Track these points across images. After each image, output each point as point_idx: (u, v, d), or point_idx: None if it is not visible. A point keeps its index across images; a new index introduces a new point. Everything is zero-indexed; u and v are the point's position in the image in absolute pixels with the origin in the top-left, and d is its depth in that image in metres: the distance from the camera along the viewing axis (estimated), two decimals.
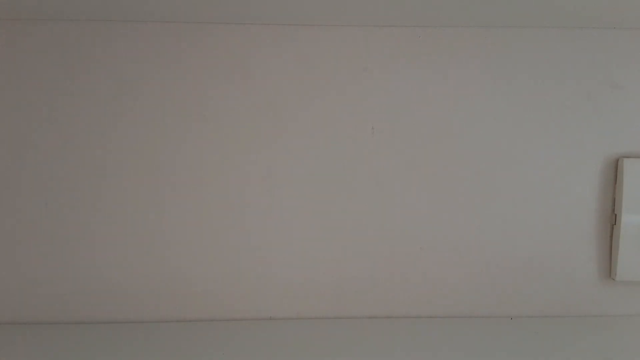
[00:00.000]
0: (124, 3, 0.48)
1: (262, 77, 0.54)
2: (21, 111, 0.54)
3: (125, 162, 0.54)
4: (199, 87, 0.54)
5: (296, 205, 0.55)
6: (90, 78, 0.54)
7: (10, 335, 0.53)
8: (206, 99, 0.54)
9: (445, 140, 0.55)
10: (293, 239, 0.56)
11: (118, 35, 0.54)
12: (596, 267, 0.56)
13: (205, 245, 0.55)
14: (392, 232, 0.56)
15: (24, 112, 0.54)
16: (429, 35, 0.55)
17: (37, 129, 0.54)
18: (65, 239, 0.55)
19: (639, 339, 0.52)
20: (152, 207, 0.55)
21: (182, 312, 0.56)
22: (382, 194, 0.56)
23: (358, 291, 0.56)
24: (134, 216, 0.55)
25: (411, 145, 0.55)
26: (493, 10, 0.50)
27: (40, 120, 0.54)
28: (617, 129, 0.55)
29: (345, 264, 0.56)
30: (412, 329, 0.54)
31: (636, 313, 0.56)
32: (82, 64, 0.54)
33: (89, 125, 0.54)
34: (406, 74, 0.55)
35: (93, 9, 0.50)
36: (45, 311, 0.55)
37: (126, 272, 0.55)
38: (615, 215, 0.55)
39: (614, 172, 0.56)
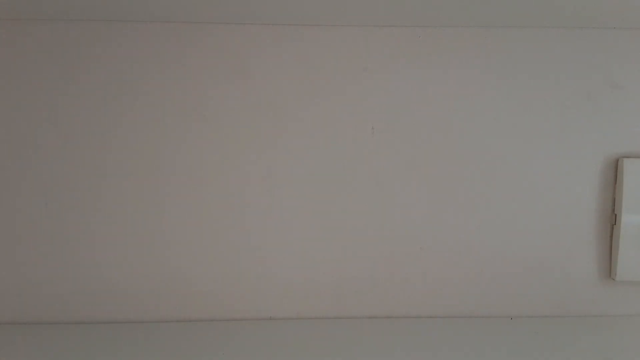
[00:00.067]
0: (124, 3, 0.48)
1: (262, 77, 0.54)
2: (21, 111, 0.54)
3: (125, 162, 0.54)
4: (199, 87, 0.54)
5: (296, 205, 0.55)
6: (90, 78, 0.54)
7: (10, 335, 0.53)
8: (206, 99, 0.54)
9: (445, 140, 0.55)
10: (293, 239, 0.56)
11: (118, 35, 0.54)
12: (596, 267, 0.56)
13: (205, 245, 0.55)
14: (392, 232, 0.56)
15: (24, 112, 0.54)
16: (429, 35, 0.55)
17: (37, 129, 0.54)
18: (65, 239, 0.55)
19: (639, 339, 0.52)
20: (152, 207, 0.55)
21: (182, 312, 0.56)
22: (382, 194, 0.56)
23: (358, 291, 0.56)
24: (134, 216, 0.55)
25: (411, 145, 0.55)
26: (493, 10, 0.50)
27: (40, 120, 0.54)
28: (617, 129, 0.55)
29: (345, 264, 0.56)
30: (412, 329, 0.54)
31: (636, 313, 0.56)
32: (82, 64, 0.54)
33: (89, 125, 0.54)
34: (406, 74, 0.55)
35: (93, 9, 0.50)
36: (45, 311, 0.55)
37: (126, 272, 0.55)
38: (615, 215, 0.55)
39: (614, 172, 0.56)
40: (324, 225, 0.56)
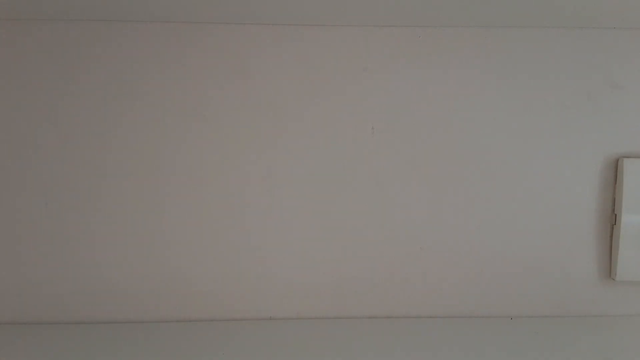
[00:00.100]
0: (124, 3, 0.48)
1: (262, 77, 0.54)
2: (21, 111, 0.54)
3: (125, 162, 0.54)
4: (199, 87, 0.54)
5: (296, 205, 0.55)
6: (90, 78, 0.54)
7: (10, 335, 0.53)
8: (206, 99, 0.54)
9: (445, 140, 0.55)
10: (293, 239, 0.56)
11: (118, 35, 0.54)
12: (596, 267, 0.56)
13: (205, 245, 0.55)
14: (392, 232, 0.56)
15: (24, 112, 0.54)
16: (429, 35, 0.55)
17: (37, 129, 0.54)
18: (66, 239, 0.55)
19: (639, 339, 0.52)
20: (152, 207, 0.55)
21: (182, 312, 0.56)
22: (382, 194, 0.56)
23: (358, 291, 0.56)
24: (134, 216, 0.55)
25: (411, 145, 0.55)
26: (493, 10, 0.50)
27: (40, 120, 0.54)
28: (617, 129, 0.55)
29: (345, 264, 0.56)
30: (412, 329, 0.54)
31: (636, 313, 0.56)
32: (82, 64, 0.54)
33: (89, 125, 0.54)
34: (406, 74, 0.55)
35: (93, 9, 0.50)
36: (45, 311, 0.55)
37: (126, 272, 0.55)
38: (615, 215, 0.55)
39: (614, 172, 0.56)
40: (324, 225, 0.56)
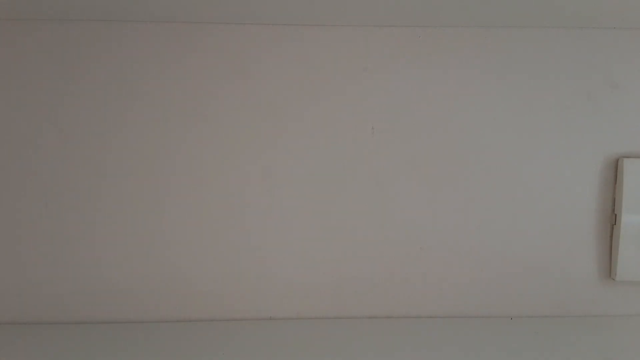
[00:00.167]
0: (124, 3, 0.48)
1: (262, 77, 0.54)
2: (21, 111, 0.54)
3: (125, 162, 0.54)
4: (199, 87, 0.54)
5: (296, 205, 0.55)
6: (90, 78, 0.54)
7: (10, 335, 0.53)
8: (206, 99, 0.54)
9: (445, 140, 0.55)
10: (293, 239, 0.56)
11: (118, 35, 0.54)
12: (596, 267, 0.56)
13: (205, 245, 0.55)
14: (392, 232, 0.56)
15: (24, 112, 0.54)
16: (429, 35, 0.55)
17: (37, 129, 0.54)
18: (66, 239, 0.55)
19: (639, 339, 0.52)
20: (152, 207, 0.55)
21: (182, 312, 0.56)
22: (382, 194, 0.56)
23: (358, 291, 0.56)
24: (134, 216, 0.55)
25: (411, 145, 0.55)
26: (493, 10, 0.50)
27: (40, 120, 0.54)
28: (617, 129, 0.55)
29: (345, 264, 0.56)
30: (412, 329, 0.54)
31: (636, 313, 0.56)
32: (82, 64, 0.54)
33: (88, 125, 0.54)
34: (406, 74, 0.55)
35: (93, 9, 0.50)
36: (45, 311, 0.55)
37: (126, 272, 0.55)
38: (615, 215, 0.55)
39: (614, 172, 0.56)
40: (324, 225, 0.56)
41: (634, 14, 0.51)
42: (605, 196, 0.56)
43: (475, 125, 0.55)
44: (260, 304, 0.56)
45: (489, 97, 0.55)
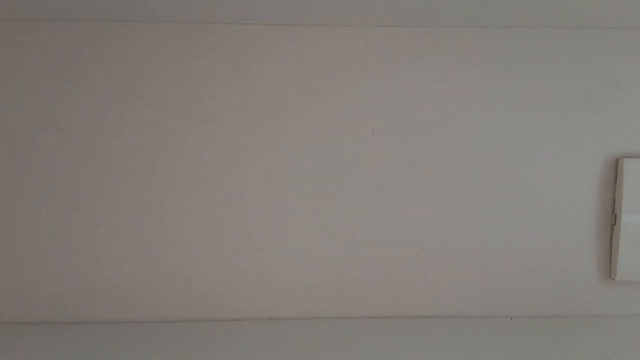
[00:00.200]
0: (124, 3, 0.48)
1: (262, 77, 0.54)
2: (21, 111, 0.54)
3: (125, 162, 0.54)
4: (199, 87, 0.54)
5: (296, 205, 0.55)
6: (90, 78, 0.54)
7: (10, 335, 0.53)
8: (206, 99, 0.54)
9: (445, 140, 0.55)
10: (293, 239, 0.56)
11: (118, 35, 0.54)
12: (596, 267, 0.56)
13: (205, 245, 0.55)
14: (392, 232, 0.56)
15: (24, 112, 0.54)
16: (429, 35, 0.55)
17: (37, 129, 0.54)
18: (66, 239, 0.55)
19: (639, 339, 0.52)
20: (152, 207, 0.55)
21: (182, 312, 0.56)
22: (382, 194, 0.56)
23: (358, 291, 0.56)
24: (134, 216, 0.55)
25: (411, 145, 0.55)
26: (493, 10, 0.50)
27: (40, 120, 0.54)
28: (617, 129, 0.55)
29: (345, 264, 0.56)
30: (412, 329, 0.54)
31: (636, 313, 0.56)
32: (82, 64, 0.54)
33: (88, 125, 0.54)
34: (406, 74, 0.55)
35: (93, 9, 0.50)
36: (45, 311, 0.55)
37: (126, 272, 0.55)
38: (615, 215, 0.55)
39: (614, 172, 0.56)
40: (324, 225, 0.56)
41: (634, 14, 0.51)
42: (605, 196, 0.56)
43: (475, 126, 0.55)
44: (260, 304, 0.56)
45: (489, 97, 0.55)
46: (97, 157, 0.54)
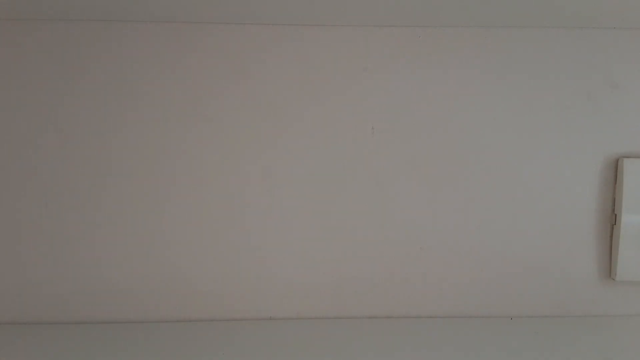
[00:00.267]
0: (124, 3, 0.48)
1: (262, 77, 0.54)
2: (21, 111, 0.54)
3: (125, 162, 0.54)
4: (199, 87, 0.54)
5: (296, 205, 0.55)
6: (90, 78, 0.54)
7: (10, 335, 0.53)
8: (206, 99, 0.54)
9: (445, 140, 0.55)
10: (293, 239, 0.56)
11: (118, 35, 0.54)
12: (596, 267, 0.56)
13: (205, 245, 0.55)
14: (392, 232, 0.56)
15: (24, 112, 0.54)
16: (429, 35, 0.55)
17: (37, 129, 0.54)
18: (66, 239, 0.55)
19: (639, 339, 0.52)
20: (152, 207, 0.55)
21: (182, 312, 0.56)
22: (382, 194, 0.56)
23: (358, 291, 0.56)
24: (134, 216, 0.55)
25: (411, 145, 0.55)
26: (493, 10, 0.50)
27: (40, 120, 0.54)
28: (617, 129, 0.55)
29: (345, 264, 0.56)
30: (412, 329, 0.54)
31: (636, 313, 0.56)
32: (82, 64, 0.54)
33: (88, 125, 0.54)
34: (406, 74, 0.55)
35: (93, 9, 0.50)
36: (45, 311, 0.55)
37: (126, 272, 0.55)
38: (615, 215, 0.55)
39: (614, 172, 0.56)
40: (324, 225, 0.56)
41: (634, 14, 0.51)
42: (605, 196, 0.56)
43: (475, 126, 0.55)
44: (260, 304, 0.56)
45: (489, 97, 0.55)
46: (97, 157, 0.54)
